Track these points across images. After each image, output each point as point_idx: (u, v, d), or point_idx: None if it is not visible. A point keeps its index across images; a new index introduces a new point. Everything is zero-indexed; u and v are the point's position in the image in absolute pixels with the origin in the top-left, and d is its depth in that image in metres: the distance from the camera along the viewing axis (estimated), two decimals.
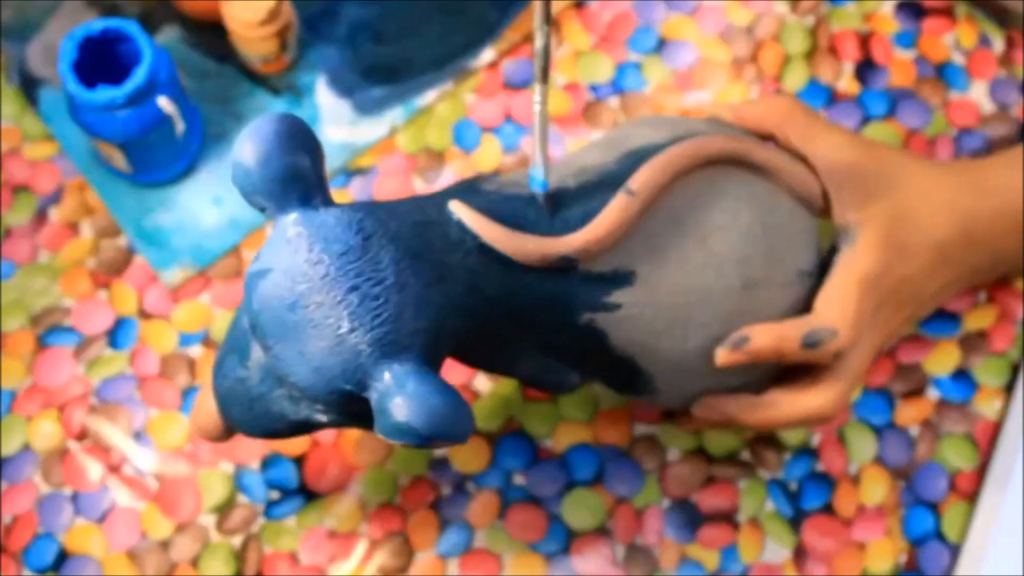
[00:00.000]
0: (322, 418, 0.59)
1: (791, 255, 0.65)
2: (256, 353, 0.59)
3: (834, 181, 0.67)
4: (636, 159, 0.63)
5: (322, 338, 0.54)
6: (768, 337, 0.64)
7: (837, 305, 0.65)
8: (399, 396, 0.53)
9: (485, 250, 0.59)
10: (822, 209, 0.67)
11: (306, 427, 0.60)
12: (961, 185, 0.69)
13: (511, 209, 0.61)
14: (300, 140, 0.56)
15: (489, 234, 0.59)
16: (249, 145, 0.55)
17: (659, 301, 0.62)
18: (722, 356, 0.64)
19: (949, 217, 0.68)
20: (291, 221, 0.56)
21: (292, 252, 0.55)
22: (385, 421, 0.53)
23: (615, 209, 0.60)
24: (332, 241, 0.55)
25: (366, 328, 0.54)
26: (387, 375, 0.54)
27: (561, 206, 0.61)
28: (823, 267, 0.68)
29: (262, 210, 0.56)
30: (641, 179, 0.61)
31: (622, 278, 0.61)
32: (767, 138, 0.69)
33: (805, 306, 0.66)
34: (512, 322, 0.61)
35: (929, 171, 0.69)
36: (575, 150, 0.66)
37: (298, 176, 0.56)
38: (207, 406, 0.63)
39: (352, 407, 0.56)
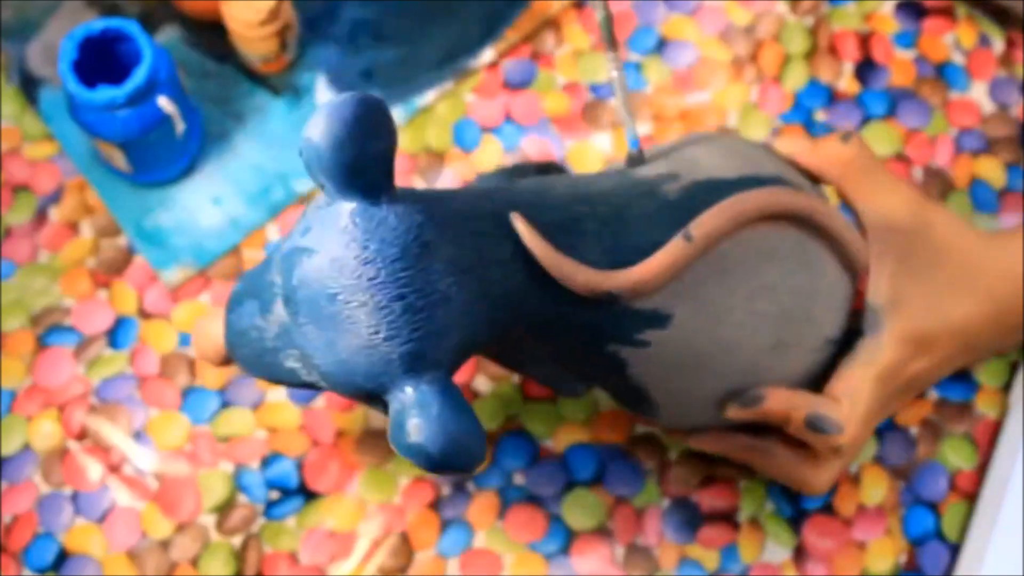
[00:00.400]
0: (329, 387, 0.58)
1: (824, 322, 0.64)
2: (279, 309, 0.56)
3: (878, 245, 0.65)
4: (701, 195, 0.61)
5: (355, 336, 0.53)
6: (781, 403, 0.64)
7: (851, 399, 0.64)
8: (420, 417, 0.52)
9: (534, 268, 0.57)
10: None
11: (312, 387, 0.59)
12: (1005, 271, 0.67)
13: (568, 220, 0.59)
14: (378, 127, 0.53)
15: (544, 256, 0.57)
16: (325, 125, 0.52)
17: (688, 346, 0.61)
18: (732, 412, 0.64)
19: (985, 307, 0.66)
20: (351, 211, 0.53)
21: (344, 244, 0.53)
22: (400, 436, 0.52)
23: (670, 253, 0.59)
24: (388, 243, 0.53)
25: (402, 340, 0.53)
26: (411, 390, 0.53)
27: (617, 230, 0.60)
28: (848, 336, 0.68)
29: (321, 187, 0.54)
30: (703, 227, 0.59)
31: (659, 319, 0.60)
32: (820, 180, 0.68)
33: (822, 371, 0.66)
34: (539, 339, 0.60)
35: (981, 246, 0.67)
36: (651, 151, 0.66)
37: (368, 165, 0.53)
38: (214, 331, 0.60)
39: (362, 399, 0.56)
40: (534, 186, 0.60)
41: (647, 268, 0.59)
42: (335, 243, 0.53)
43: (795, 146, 0.67)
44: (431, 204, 0.55)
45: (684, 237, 0.59)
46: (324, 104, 0.53)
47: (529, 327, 0.59)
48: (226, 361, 0.62)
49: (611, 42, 0.59)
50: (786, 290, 0.62)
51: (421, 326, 0.53)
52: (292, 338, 0.56)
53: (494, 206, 0.57)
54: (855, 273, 0.66)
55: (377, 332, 0.53)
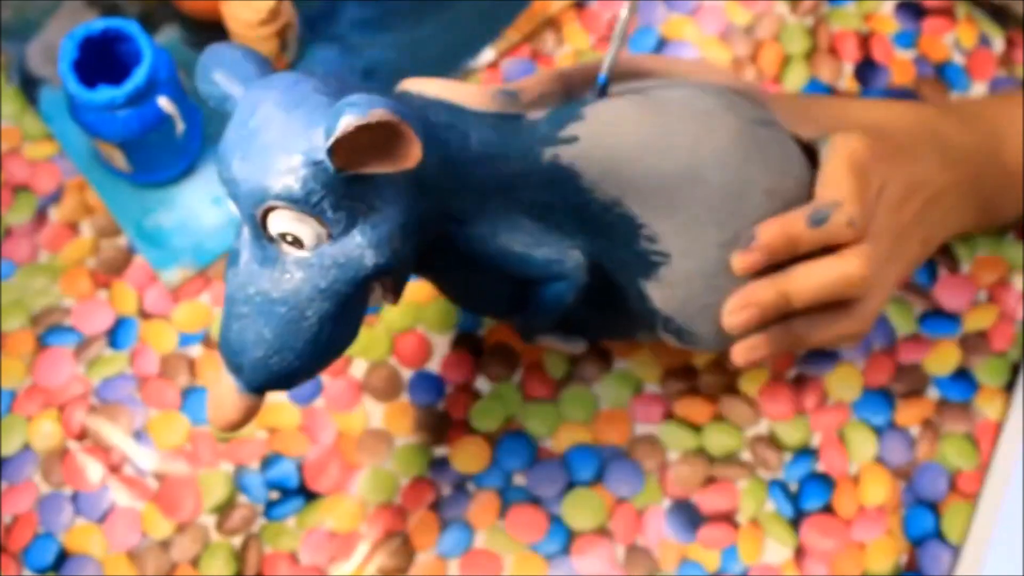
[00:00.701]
0: (321, 276, 0.57)
1: (752, 110, 0.65)
2: (244, 256, 0.57)
3: (798, 121, 0.68)
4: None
5: (277, 126, 0.55)
6: (774, 227, 0.63)
7: (831, 183, 0.64)
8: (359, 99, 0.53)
9: (439, 106, 0.61)
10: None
11: (322, 313, 0.57)
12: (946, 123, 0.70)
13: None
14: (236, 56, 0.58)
15: (441, 88, 0.61)
16: (203, 65, 0.57)
17: (623, 127, 0.61)
18: (738, 261, 0.63)
19: (924, 127, 0.68)
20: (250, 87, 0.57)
21: (242, 101, 0.56)
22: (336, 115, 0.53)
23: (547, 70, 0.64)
24: (285, 76, 0.56)
25: (323, 106, 0.55)
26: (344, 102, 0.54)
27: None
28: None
29: (225, 101, 0.57)
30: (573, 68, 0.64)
31: (568, 114, 0.61)
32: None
33: (800, 162, 0.66)
34: (481, 170, 0.60)
35: (853, 105, 0.70)
36: None
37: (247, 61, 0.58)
38: (222, 383, 0.60)
39: (332, 202, 0.55)
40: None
41: (526, 78, 0.64)
42: (239, 104, 0.57)
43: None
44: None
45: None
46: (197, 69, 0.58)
47: (466, 164, 0.60)
48: (250, 407, 0.60)
49: None
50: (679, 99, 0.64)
51: (335, 97, 0.56)
52: (250, 219, 0.57)
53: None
54: (757, 100, 0.66)
55: (291, 109, 0.55)
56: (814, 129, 0.67)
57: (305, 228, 0.55)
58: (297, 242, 0.56)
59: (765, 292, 0.64)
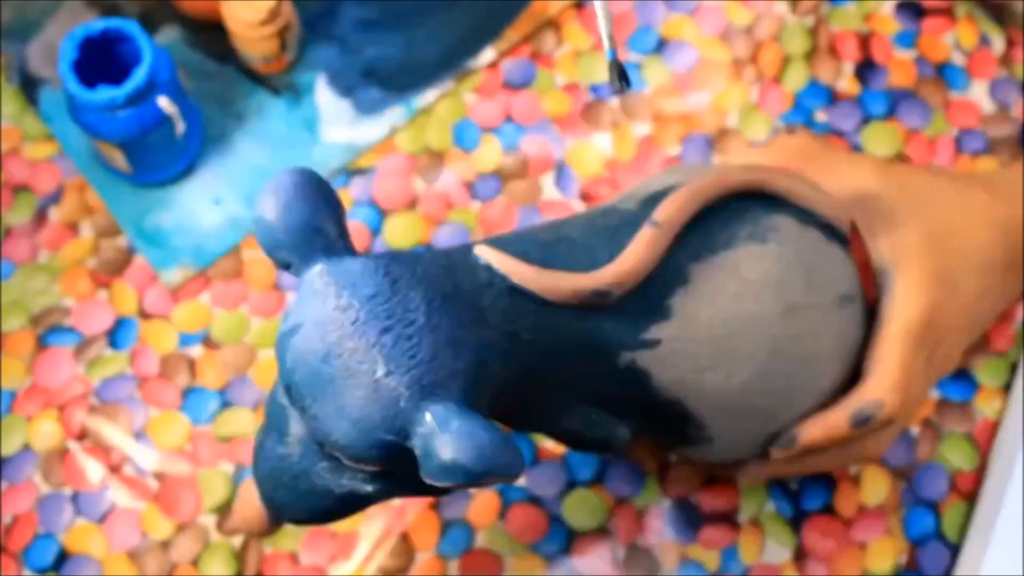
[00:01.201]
0: (367, 487, 0.58)
1: (830, 280, 0.63)
2: (295, 428, 0.57)
3: (862, 214, 0.65)
4: (655, 201, 0.62)
5: (359, 386, 0.53)
6: (816, 431, 0.64)
7: (882, 370, 0.64)
8: (444, 434, 0.51)
9: (516, 291, 0.58)
10: (853, 237, 0.66)
11: (352, 501, 0.59)
12: (993, 197, 0.67)
13: (539, 250, 0.60)
14: (319, 192, 0.55)
15: (519, 273, 0.58)
16: (270, 198, 0.55)
17: (698, 335, 0.61)
18: (778, 454, 0.65)
19: (989, 230, 0.66)
20: (317, 272, 0.54)
21: (320, 302, 0.54)
22: (432, 462, 0.51)
23: (642, 241, 0.59)
24: (360, 286, 0.53)
25: (403, 370, 0.53)
26: (428, 416, 0.52)
27: (589, 246, 0.61)
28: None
29: (287, 267, 0.55)
30: (664, 211, 0.60)
31: (656, 312, 0.60)
32: None
33: (855, 334, 0.65)
34: (552, 369, 0.59)
35: (958, 185, 0.67)
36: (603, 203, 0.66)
37: (320, 227, 0.55)
38: (250, 497, 0.61)
39: (396, 464, 0.55)
40: (494, 237, 0.61)
41: (624, 259, 0.59)
42: (312, 306, 0.54)
43: (749, 154, 0.67)
44: (394, 252, 0.56)
45: (650, 224, 0.60)
46: (262, 189, 0.55)
47: (539, 354, 0.58)
48: (271, 524, 0.62)
49: None
50: (771, 254, 0.62)
51: (416, 352, 0.53)
52: (311, 438, 0.56)
53: (456, 249, 0.58)
54: (843, 231, 0.65)
55: (376, 371, 0.52)
56: (904, 212, 0.66)
57: (368, 467, 0.56)
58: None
59: (783, 470, 0.67)
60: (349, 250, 0.56)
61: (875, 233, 0.65)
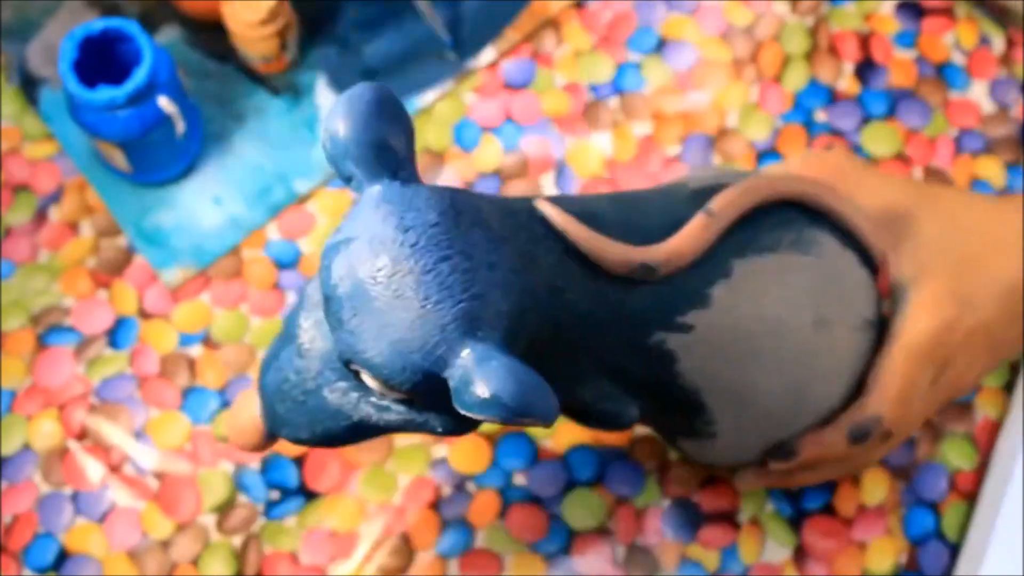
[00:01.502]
0: (383, 415, 0.57)
1: (858, 302, 0.64)
2: (318, 344, 0.56)
3: (889, 234, 0.65)
4: (711, 191, 0.63)
5: (406, 309, 0.52)
6: (814, 447, 0.65)
7: (884, 385, 0.64)
8: (485, 369, 0.50)
9: (568, 250, 0.58)
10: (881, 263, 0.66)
11: (361, 429, 0.58)
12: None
13: (593, 215, 0.60)
14: (394, 112, 0.54)
15: (575, 233, 0.58)
16: (345, 110, 0.53)
17: (732, 328, 0.61)
18: (775, 466, 0.65)
19: (1016, 256, 0.66)
20: (380, 190, 0.53)
21: (380, 220, 0.53)
22: (469, 397, 0.50)
23: (696, 226, 0.60)
24: (425, 211, 0.53)
25: (453, 301, 0.52)
26: (469, 352, 0.52)
27: (642, 223, 0.61)
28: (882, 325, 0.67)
29: (347, 180, 0.54)
30: (720, 202, 0.61)
31: (696, 298, 0.60)
32: None
33: (868, 357, 0.65)
34: (584, 333, 0.59)
35: (989, 209, 0.67)
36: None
37: (391, 147, 0.54)
38: (248, 409, 0.60)
39: (421, 392, 0.54)
40: (551, 196, 0.60)
41: (678, 239, 0.60)
42: (371, 222, 0.53)
43: (782, 167, 0.67)
44: (458, 189, 0.55)
45: (706, 212, 0.60)
46: (340, 96, 0.53)
47: (576, 317, 0.58)
48: (266, 439, 0.61)
49: None
50: (814, 267, 0.63)
51: (470, 285, 0.52)
52: (337, 355, 0.55)
53: (519, 200, 0.58)
54: (875, 257, 0.65)
55: (427, 298, 0.52)
56: (933, 227, 0.66)
57: (393, 393, 0.55)
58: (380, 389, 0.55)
59: (779, 481, 0.68)
60: (414, 175, 0.55)
61: (900, 252, 0.65)
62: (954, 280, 0.65)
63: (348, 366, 0.55)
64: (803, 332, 0.63)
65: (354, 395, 0.57)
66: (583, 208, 0.60)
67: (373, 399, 0.57)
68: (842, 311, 0.63)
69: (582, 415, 0.63)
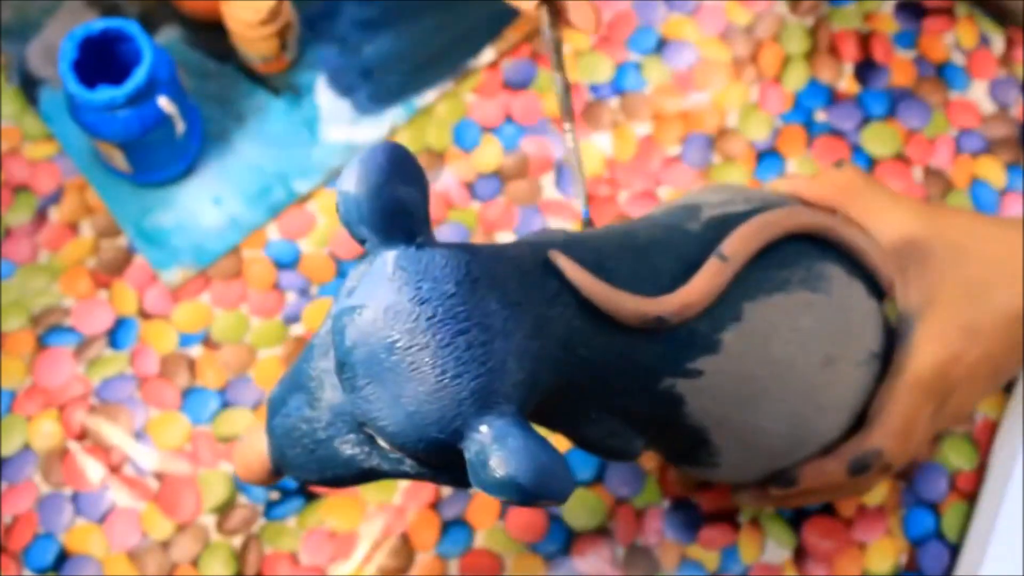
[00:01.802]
0: (397, 468, 0.56)
1: (864, 334, 0.64)
2: (330, 395, 0.56)
3: (897, 258, 0.65)
4: (720, 226, 0.62)
5: (422, 383, 0.51)
6: (816, 474, 0.65)
7: (885, 419, 0.64)
8: (502, 450, 0.50)
9: (583, 305, 0.57)
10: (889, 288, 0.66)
11: (371, 475, 0.57)
12: None
13: (606, 258, 0.59)
14: (410, 172, 0.53)
15: (590, 289, 0.57)
16: (359, 173, 0.52)
17: (742, 371, 0.61)
18: (776, 492, 0.66)
19: (1019, 283, 0.65)
20: (395, 257, 0.53)
21: (396, 290, 0.52)
22: (486, 476, 0.50)
23: (708, 273, 0.59)
24: (441, 281, 0.52)
25: (471, 375, 0.51)
26: (486, 428, 0.51)
27: (654, 263, 0.60)
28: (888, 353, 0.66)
29: (362, 242, 0.53)
30: (733, 245, 0.60)
31: (707, 344, 0.60)
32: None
33: (871, 388, 0.65)
34: (594, 383, 0.59)
35: (1000, 235, 0.66)
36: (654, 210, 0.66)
37: (406, 210, 0.53)
38: (256, 445, 0.60)
39: (435, 459, 0.54)
40: (563, 234, 0.59)
41: (691, 289, 0.59)
42: (386, 291, 0.52)
43: (793, 184, 0.67)
44: (471, 247, 0.54)
45: (718, 257, 0.60)
46: (353, 159, 0.53)
47: (588, 369, 0.58)
48: (273, 476, 0.60)
49: (569, 113, 0.59)
50: (824, 305, 0.63)
51: (487, 360, 0.51)
52: (350, 415, 0.55)
53: (532, 249, 0.57)
54: (885, 286, 0.65)
55: (444, 372, 0.51)
56: (939, 251, 0.65)
57: (404, 456, 0.55)
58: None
59: (777, 503, 0.68)
60: (429, 238, 0.54)
61: (908, 280, 0.65)
62: (960, 311, 0.64)
63: (362, 428, 0.54)
64: (811, 372, 0.62)
65: (367, 448, 0.56)
66: (596, 256, 0.59)
67: (389, 457, 0.56)
68: (849, 347, 0.63)
69: (587, 446, 0.62)
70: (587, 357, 0.57)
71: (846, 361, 0.63)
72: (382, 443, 0.54)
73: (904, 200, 0.66)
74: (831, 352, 0.63)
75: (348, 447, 0.56)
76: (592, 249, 0.59)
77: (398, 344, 0.51)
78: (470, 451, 0.51)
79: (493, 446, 0.50)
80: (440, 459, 0.53)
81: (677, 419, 0.61)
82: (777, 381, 0.62)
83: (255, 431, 0.60)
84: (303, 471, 0.58)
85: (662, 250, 0.61)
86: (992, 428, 0.75)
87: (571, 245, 0.58)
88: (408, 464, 0.56)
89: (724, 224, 0.62)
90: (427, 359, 0.51)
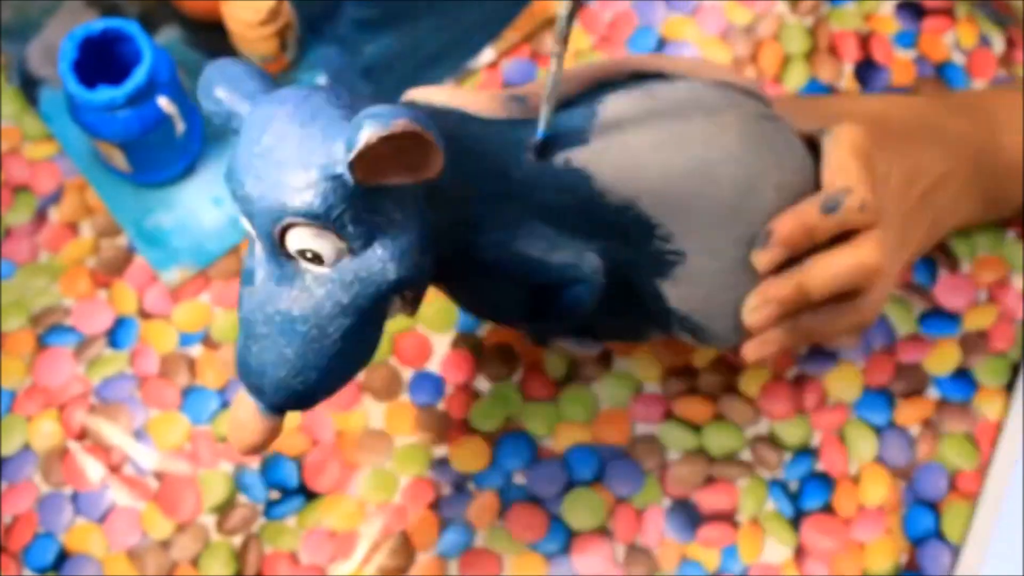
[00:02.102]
0: (339, 293, 0.56)
1: (742, 101, 0.64)
2: (259, 273, 0.56)
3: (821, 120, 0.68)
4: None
5: (289, 140, 0.54)
6: (789, 220, 0.63)
7: (838, 171, 0.64)
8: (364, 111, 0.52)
9: (451, 112, 0.60)
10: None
11: (333, 331, 0.56)
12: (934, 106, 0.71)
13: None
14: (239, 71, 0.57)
15: (439, 95, 0.61)
16: (205, 82, 0.56)
17: (631, 128, 0.61)
18: (759, 259, 0.63)
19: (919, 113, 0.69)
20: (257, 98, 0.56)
21: (251, 117, 0.55)
22: (359, 122, 0.52)
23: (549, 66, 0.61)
24: (294, 92, 0.55)
25: (334, 115, 0.54)
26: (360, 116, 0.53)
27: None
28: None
29: (236, 132, 0.56)
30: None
31: (578, 115, 0.61)
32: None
33: (806, 173, 0.65)
34: (486, 176, 0.59)
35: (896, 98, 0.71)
36: None
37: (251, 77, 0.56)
38: (244, 403, 0.59)
39: (349, 218, 0.54)
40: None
41: (536, 82, 0.63)
42: (247, 124, 0.56)
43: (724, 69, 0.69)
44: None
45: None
46: (201, 79, 0.57)
47: (473, 161, 0.59)
48: (270, 435, 0.59)
49: (564, 39, 0.59)
50: (685, 92, 0.63)
51: (340, 103, 0.55)
52: (265, 237, 0.55)
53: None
54: (761, 97, 0.66)
55: (301, 125, 0.54)
56: (814, 125, 0.67)
57: (325, 244, 0.54)
58: (317, 259, 0.55)
59: (784, 287, 0.64)
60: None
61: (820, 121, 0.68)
62: (873, 126, 0.68)
63: (279, 242, 0.55)
64: (696, 127, 0.63)
65: (305, 288, 0.56)
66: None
67: (317, 274, 0.56)
68: (728, 107, 0.63)
69: (545, 301, 0.62)
70: (468, 149, 0.59)
71: (734, 111, 0.63)
72: (296, 243, 0.54)
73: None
74: (710, 103, 0.63)
75: (287, 301, 0.56)
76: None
77: (264, 133, 0.54)
78: (350, 143, 0.52)
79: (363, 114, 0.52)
80: (350, 215, 0.54)
81: (601, 202, 0.61)
82: (672, 115, 0.62)
83: (237, 403, 0.59)
84: (276, 365, 0.57)
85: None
86: (992, 428, 0.75)
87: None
88: (342, 271, 0.56)
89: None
90: (287, 125, 0.54)
